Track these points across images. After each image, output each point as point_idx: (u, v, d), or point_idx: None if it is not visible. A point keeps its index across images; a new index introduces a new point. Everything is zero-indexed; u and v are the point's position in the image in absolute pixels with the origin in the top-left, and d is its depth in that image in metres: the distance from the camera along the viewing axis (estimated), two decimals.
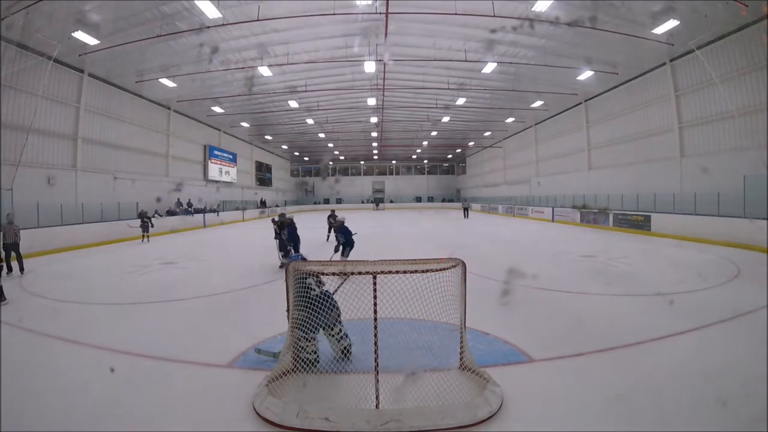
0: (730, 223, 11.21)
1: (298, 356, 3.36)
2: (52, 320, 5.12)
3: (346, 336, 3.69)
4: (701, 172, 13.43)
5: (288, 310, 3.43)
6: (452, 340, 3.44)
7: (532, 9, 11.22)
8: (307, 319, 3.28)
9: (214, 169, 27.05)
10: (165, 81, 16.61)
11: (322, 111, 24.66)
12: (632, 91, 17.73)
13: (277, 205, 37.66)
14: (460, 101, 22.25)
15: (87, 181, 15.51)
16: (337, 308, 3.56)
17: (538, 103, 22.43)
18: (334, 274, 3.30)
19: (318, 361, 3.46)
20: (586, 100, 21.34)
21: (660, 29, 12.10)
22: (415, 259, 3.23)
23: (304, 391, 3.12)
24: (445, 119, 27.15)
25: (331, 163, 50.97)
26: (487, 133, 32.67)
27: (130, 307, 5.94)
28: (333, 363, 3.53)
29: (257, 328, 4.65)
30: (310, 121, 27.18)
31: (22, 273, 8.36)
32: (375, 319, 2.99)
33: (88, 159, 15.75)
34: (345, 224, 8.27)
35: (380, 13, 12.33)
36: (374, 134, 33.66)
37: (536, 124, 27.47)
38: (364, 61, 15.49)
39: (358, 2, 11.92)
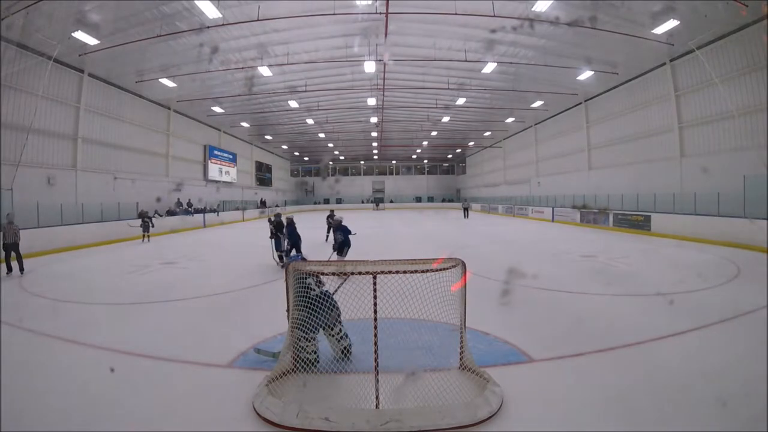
0: (730, 223, 11.21)
1: (298, 356, 3.36)
2: (52, 320, 5.12)
3: (346, 336, 3.69)
4: (701, 172, 13.42)
5: (288, 310, 3.43)
6: (452, 340, 3.44)
7: (532, 9, 11.22)
8: (307, 319, 3.28)
9: (214, 169, 27.04)
10: (165, 81, 16.61)
11: (322, 111, 24.66)
12: (632, 91, 17.73)
13: (276, 205, 37.65)
14: (460, 101, 22.25)
15: (87, 181, 15.51)
16: (337, 308, 3.56)
17: (538, 103, 22.42)
18: (334, 274, 3.30)
19: (318, 361, 3.46)
20: (586, 100, 21.34)
21: (660, 29, 12.10)
22: (415, 259, 3.23)
23: (304, 391, 3.13)
24: (445, 119, 27.15)
25: (331, 163, 50.97)
26: (487, 133, 32.67)
27: (130, 307, 5.94)
28: (333, 363, 3.53)
29: (257, 328, 4.65)
30: (310, 121, 27.18)
31: (22, 273, 8.36)
32: (375, 319, 2.99)
33: (88, 159, 15.75)
34: (343, 223, 8.29)
35: (380, 13, 12.33)
36: (374, 134, 33.66)
37: (536, 124, 27.46)
38: (364, 61, 15.49)
39: (358, 2, 11.92)
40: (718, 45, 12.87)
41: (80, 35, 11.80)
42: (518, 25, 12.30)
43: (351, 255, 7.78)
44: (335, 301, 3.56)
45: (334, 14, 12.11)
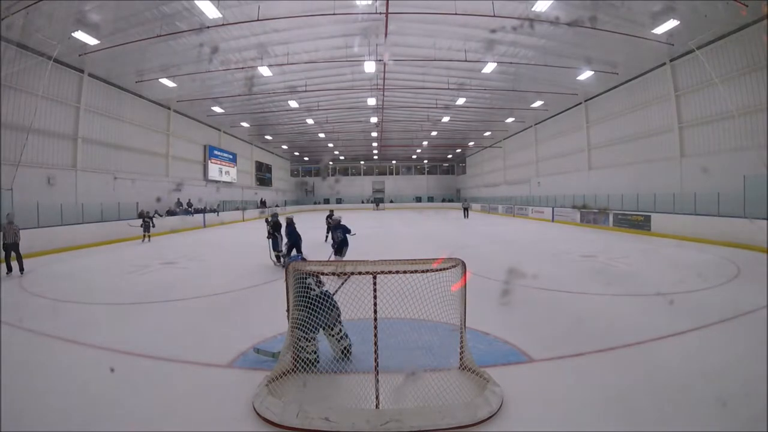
0: (730, 223, 11.20)
1: (298, 356, 3.36)
2: (52, 320, 5.12)
3: (346, 336, 3.69)
4: (701, 172, 13.42)
5: (288, 310, 3.43)
6: (452, 340, 3.44)
7: (532, 9, 11.22)
8: (307, 319, 3.28)
9: (214, 169, 27.04)
10: (165, 81, 16.61)
11: (322, 111, 24.66)
12: (632, 91, 17.73)
13: (277, 205, 37.66)
14: (460, 101, 22.25)
15: (87, 181, 15.51)
16: (337, 308, 3.56)
17: (538, 103, 22.42)
18: (334, 274, 3.30)
19: (318, 361, 3.46)
20: (586, 100, 21.34)
21: (660, 29, 12.10)
22: (415, 259, 3.23)
23: (304, 391, 3.13)
24: (445, 119, 27.15)
25: (331, 163, 50.98)
26: (487, 133, 32.67)
27: (130, 307, 5.94)
28: (333, 363, 3.53)
29: (257, 328, 4.65)
30: (310, 121, 27.18)
31: (21, 273, 8.36)
32: (375, 319, 2.99)
33: (88, 159, 15.75)
34: (342, 223, 8.30)
35: (380, 13, 12.33)
36: (374, 134, 33.66)
37: (536, 124, 27.46)
38: (364, 61, 15.49)
39: (358, 2, 11.92)
40: (718, 45, 12.87)
41: (80, 35, 11.80)
42: (518, 25, 12.30)
43: (351, 255, 7.78)
44: (335, 301, 3.56)
45: (334, 14, 12.11)
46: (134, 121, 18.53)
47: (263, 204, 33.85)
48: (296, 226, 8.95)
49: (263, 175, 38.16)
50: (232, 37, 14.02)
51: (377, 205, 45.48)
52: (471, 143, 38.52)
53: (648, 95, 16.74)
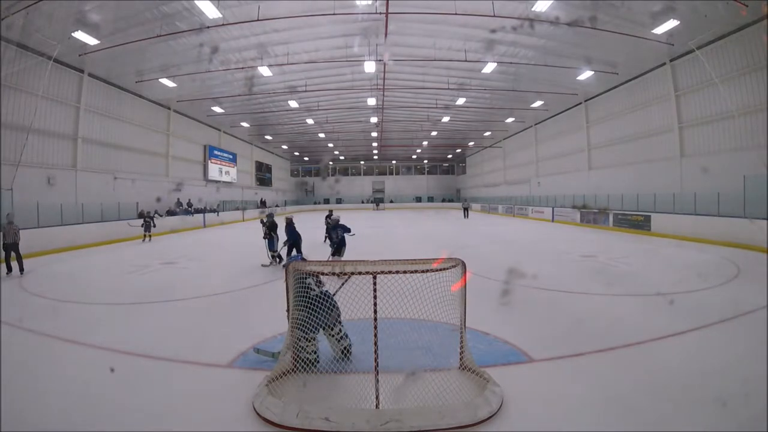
0: (730, 223, 11.20)
1: (298, 356, 3.36)
2: (52, 320, 5.12)
3: (346, 336, 3.69)
4: (701, 172, 13.43)
5: (288, 310, 3.43)
6: (452, 340, 3.44)
7: (532, 9, 11.21)
8: (306, 319, 3.28)
9: (214, 169, 27.04)
10: (165, 81, 16.60)
11: (322, 111, 24.65)
12: (632, 91, 17.73)
13: (276, 205, 37.67)
14: (460, 101, 22.24)
15: (87, 181, 15.51)
16: (337, 308, 3.56)
17: (538, 103, 22.42)
18: (334, 274, 3.30)
19: (318, 361, 3.46)
20: (586, 100, 21.33)
21: (660, 29, 12.10)
22: (415, 259, 3.23)
23: (304, 391, 3.13)
24: (445, 119, 27.14)
25: (331, 163, 50.98)
26: (487, 133, 32.66)
27: (130, 307, 5.94)
28: (333, 363, 3.54)
29: (257, 328, 4.65)
30: (310, 121, 27.18)
31: (21, 273, 8.36)
32: (375, 319, 2.99)
33: (88, 159, 15.75)
34: (340, 222, 8.29)
35: (380, 13, 12.33)
36: (374, 134, 33.66)
37: (536, 124, 27.46)
38: (364, 61, 15.48)
39: (358, 2, 11.92)
40: (718, 45, 12.86)
41: (80, 35, 11.80)
42: (518, 25, 12.29)
43: (351, 255, 7.78)
44: (335, 301, 3.56)
45: (334, 14, 12.11)
46: (134, 121, 18.53)
47: (263, 204, 33.85)
48: (296, 225, 8.95)
49: (263, 175, 38.16)
50: (232, 37, 14.01)
51: (377, 205, 45.48)
52: (471, 143, 38.52)
53: (648, 95, 16.74)
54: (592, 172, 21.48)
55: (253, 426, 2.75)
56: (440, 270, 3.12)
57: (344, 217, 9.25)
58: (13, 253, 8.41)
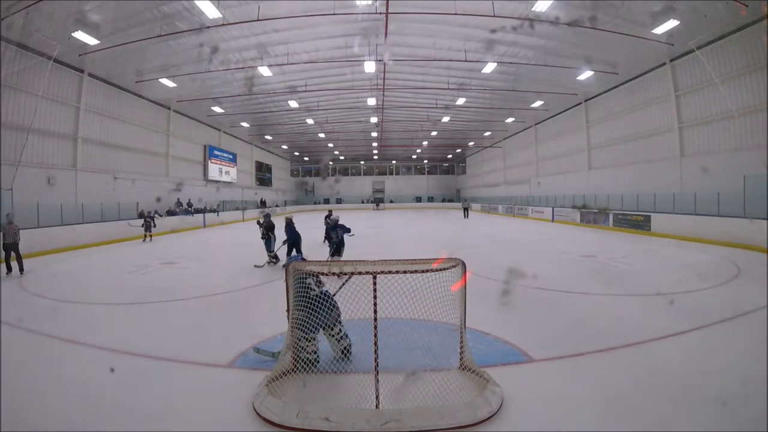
0: (730, 223, 11.20)
1: (298, 356, 3.36)
2: (52, 320, 5.12)
3: (346, 336, 3.69)
4: (701, 172, 13.43)
5: (288, 310, 3.43)
6: (452, 340, 3.44)
7: (532, 9, 11.21)
8: (306, 319, 3.27)
9: (214, 169, 27.04)
10: (165, 81, 16.60)
11: (322, 111, 24.65)
12: (632, 91, 17.72)
13: (276, 205, 37.67)
14: (460, 101, 22.24)
15: (87, 181, 15.51)
16: (337, 308, 3.56)
17: (538, 103, 22.42)
18: (334, 274, 3.30)
19: (318, 361, 3.46)
20: (586, 100, 21.33)
21: (660, 29, 12.10)
22: (415, 259, 3.23)
23: (304, 391, 3.13)
24: (445, 119, 27.14)
25: (331, 163, 50.99)
26: (487, 133, 32.66)
27: (130, 307, 5.94)
28: (333, 363, 3.53)
29: (257, 328, 4.65)
30: (310, 121, 27.18)
31: (21, 273, 8.35)
32: (375, 319, 2.99)
33: (88, 159, 15.75)
34: (339, 222, 8.28)
35: (380, 13, 12.33)
36: (374, 134, 33.66)
37: (536, 124, 27.46)
38: (364, 61, 15.48)
39: (358, 2, 11.92)
40: (718, 45, 12.86)
41: (80, 35, 11.80)
42: (518, 25, 12.29)
43: (351, 255, 7.77)
44: (335, 301, 3.56)
45: (334, 14, 12.11)
46: (134, 121, 18.52)
47: (263, 204, 33.86)
48: (296, 226, 8.95)
49: (263, 175, 38.16)
50: (232, 37, 14.01)
51: (377, 205, 45.50)
52: (471, 143, 38.52)
53: (648, 95, 16.74)
54: (592, 172, 21.48)
55: (253, 426, 2.75)
56: (440, 270, 3.12)
57: (344, 217, 9.25)
58: (13, 253, 8.41)
